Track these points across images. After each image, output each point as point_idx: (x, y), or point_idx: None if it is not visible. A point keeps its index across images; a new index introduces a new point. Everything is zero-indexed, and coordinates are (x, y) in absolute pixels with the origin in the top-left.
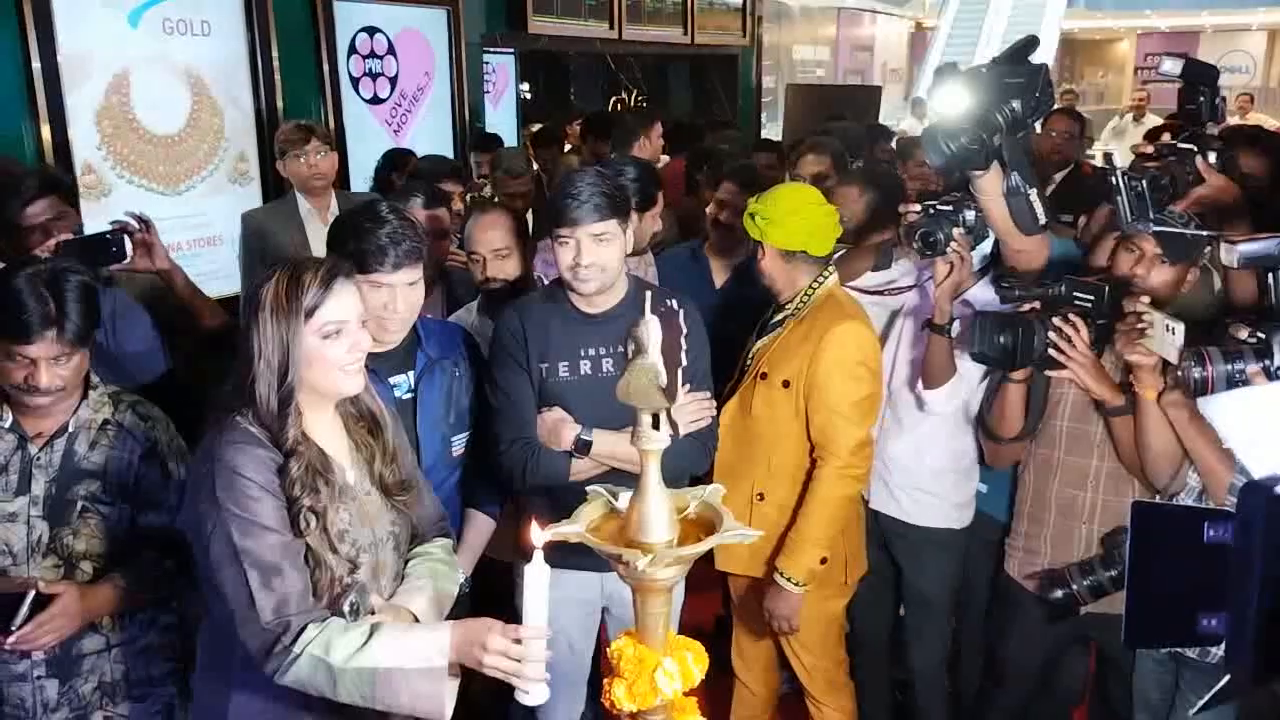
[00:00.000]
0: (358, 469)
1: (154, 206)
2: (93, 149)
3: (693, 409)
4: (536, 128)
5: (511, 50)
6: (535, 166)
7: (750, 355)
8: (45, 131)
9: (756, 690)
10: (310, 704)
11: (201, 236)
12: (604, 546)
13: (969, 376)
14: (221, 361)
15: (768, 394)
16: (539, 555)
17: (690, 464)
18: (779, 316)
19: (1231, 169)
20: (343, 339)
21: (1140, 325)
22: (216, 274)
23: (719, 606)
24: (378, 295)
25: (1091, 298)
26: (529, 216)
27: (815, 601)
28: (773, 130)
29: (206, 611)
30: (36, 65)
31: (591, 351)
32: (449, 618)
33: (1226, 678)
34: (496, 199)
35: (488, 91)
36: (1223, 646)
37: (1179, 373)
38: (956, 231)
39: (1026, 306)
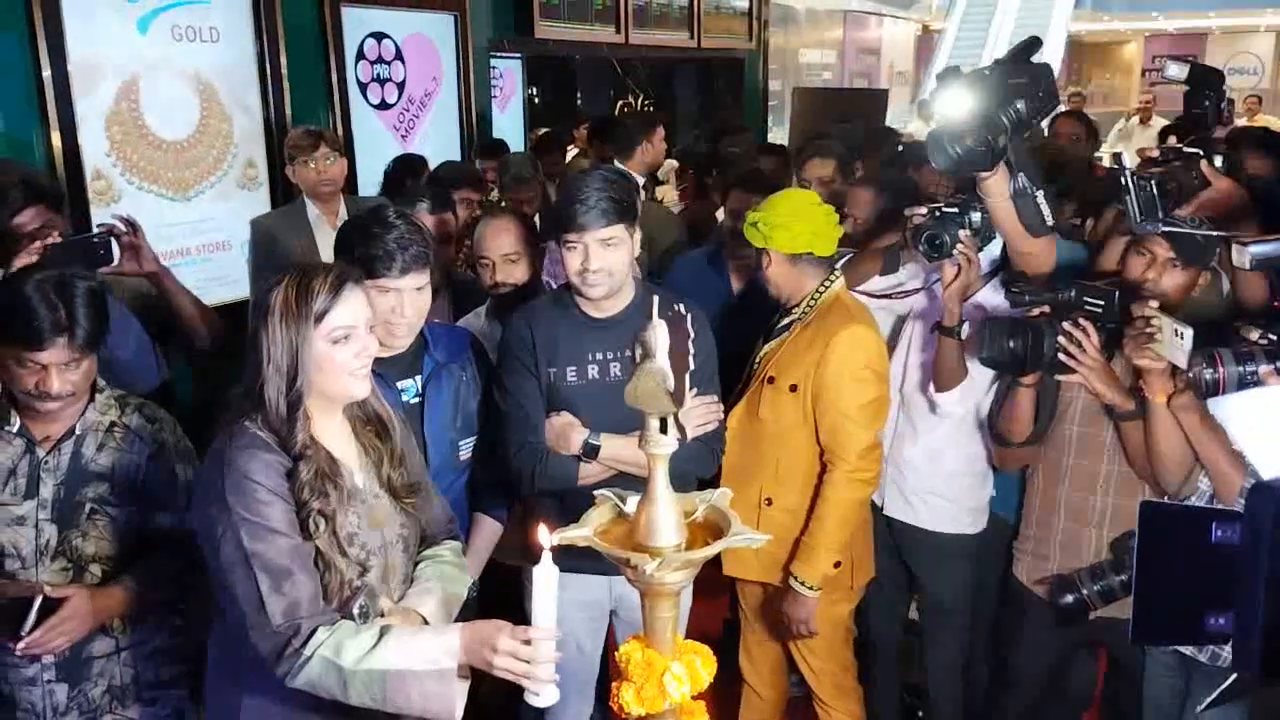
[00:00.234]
0: (366, 472)
1: (163, 212)
2: (102, 155)
3: (700, 413)
4: (541, 132)
5: (519, 55)
6: (541, 171)
7: (757, 359)
8: (55, 138)
9: (765, 694)
10: (321, 706)
11: (210, 242)
12: (612, 550)
13: (980, 379)
14: (230, 368)
15: (775, 398)
16: (547, 556)
17: (698, 468)
18: (786, 321)
19: (1237, 172)
20: (351, 344)
21: (1149, 330)
22: (225, 279)
23: (726, 611)
24: (385, 300)
25: (1101, 302)
26: (536, 221)
27: (823, 606)
28: (779, 134)
29: (217, 614)
30: (47, 73)
31: (599, 356)
32: (457, 621)
33: (1233, 676)
34: (504, 204)
35: (495, 96)
36: (1230, 647)
37: (1190, 375)
38: (963, 234)
39: (1035, 311)
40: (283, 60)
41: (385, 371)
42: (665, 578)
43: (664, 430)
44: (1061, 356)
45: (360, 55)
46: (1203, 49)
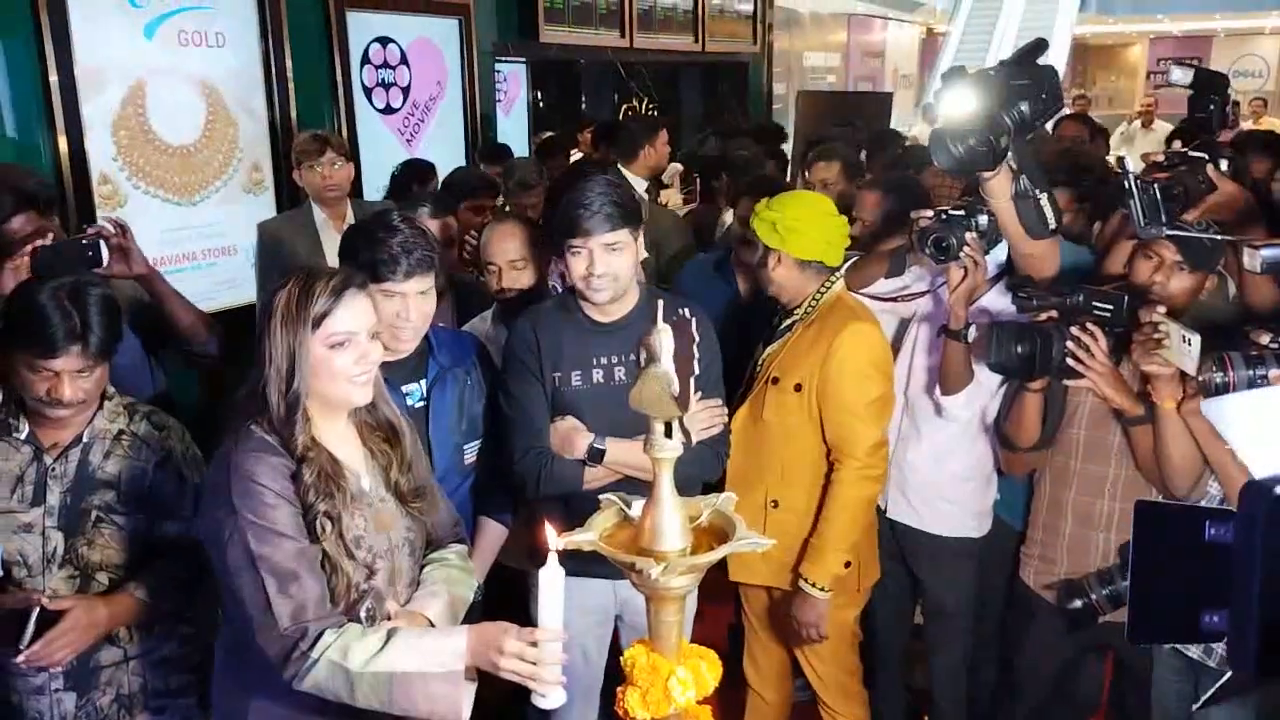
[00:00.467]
0: (372, 476)
1: (169, 216)
2: (109, 159)
3: (705, 416)
4: (545, 136)
5: (523, 59)
6: (545, 176)
7: (759, 362)
8: (62, 142)
9: (770, 699)
10: (328, 709)
11: (216, 246)
12: (617, 555)
13: (986, 383)
14: (236, 374)
15: (779, 399)
16: (554, 558)
17: (703, 472)
18: (788, 322)
19: (1243, 175)
20: (350, 350)
21: (1157, 335)
22: (231, 283)
23: (731, 617)
24: (390, 304)
25: (1110, 307)
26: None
27: (829, 610)
28: None
29: (224, 618)
30: (54, 77)
31: (604, 360)
32: (463, 624)
33: (1229, 674)
34: (509, 209)
35: (499, 100)
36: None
37: (1200, 380)
38: (970, 236)
39: (1043, 316)
40: (288, 65)
41: (390, 376)
42: (670, 582)
43: (669, 434)
44: (1070, 362)
45: (365, 60)
46: (1208, 52)
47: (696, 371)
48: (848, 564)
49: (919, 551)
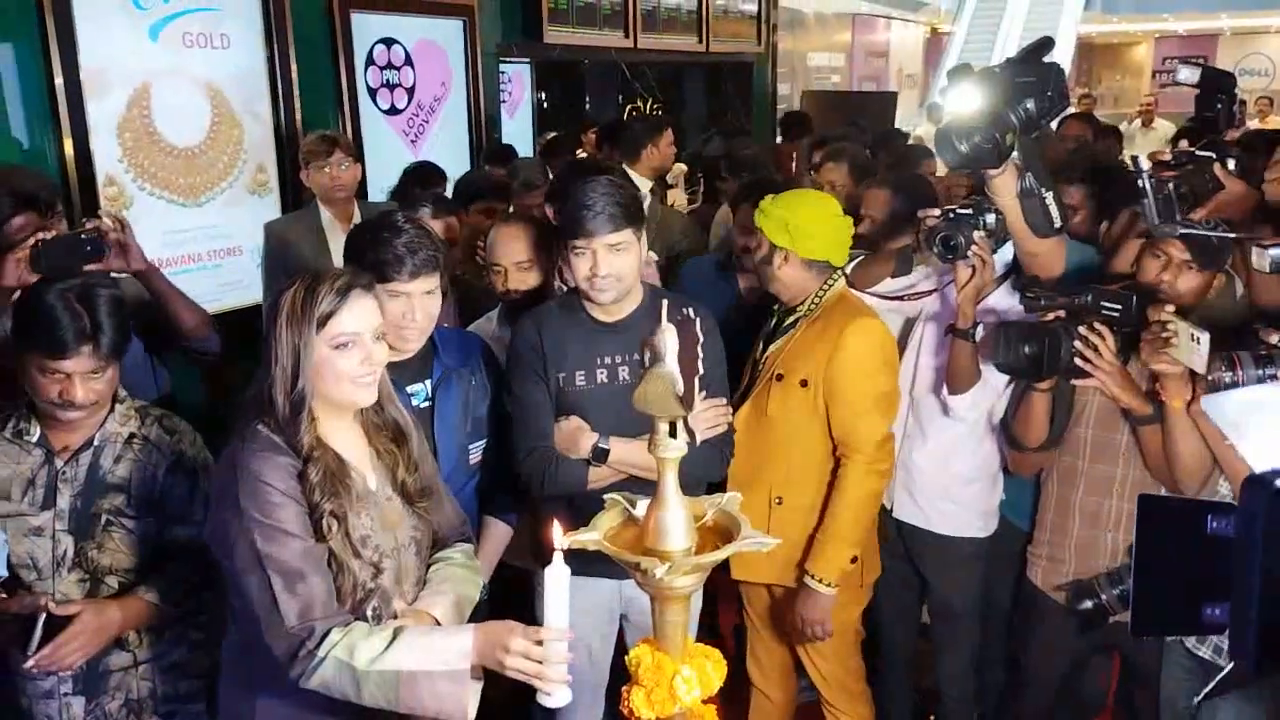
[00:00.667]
0: (379, 475)
1: (175, 218)
2: (114, 161)
3: (709, 416)
4: (549, 136)
5: (527, 60)
6: (550, 176)
7: (761, 359)
8: (67, 144)
9: (774, 697)
10: (335, 708)
11: (222, 247)
12: (622, 554)
13: (993, 383)
14: (242, 375)
15: (784, 395)
16: (559, 557)
17: (707, 472)
18: (792, 319)
19: (1249, 175)
20: (354, 351)
21: (1165, 335)
22: (237, 284)
23: (736, 618)
24: (396, 304)
25: (1119, 307)
26: None
27: (833, 608)
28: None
29: (230, 618)
30: (59, 80)
31: (608, 360)
32: (469, 623)
33: (1230, 666)
34: (513, 210)
35: (504, 101)
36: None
37: (1209, 379)
38: (977, 235)
39: (1051, 315)
40: (293, 66)
41: (395, 376)
42: (675, 582)
43: (673, 434)
44: (1078, 361)
45: (370, 61)
46: (1213, 50)
47: (701, 371)
48: (854, 559)
49: (925, 552)
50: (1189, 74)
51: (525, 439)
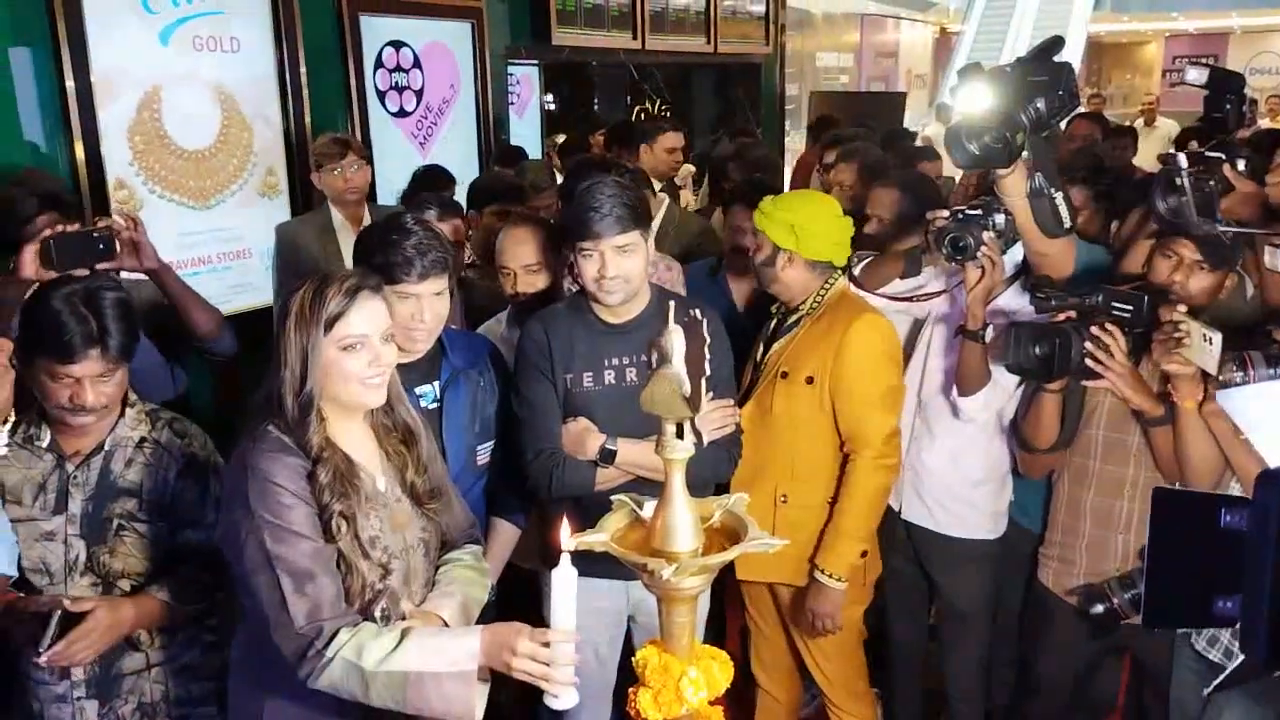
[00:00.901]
0: (388, 476)
1: (185, 221)
2: (125, 165)
3: (717, 417)
4: (561, 138)
5: (535, 62)
6: (560, 179)
7: (762, 358)
8: (78, 148)
9: (780, 697)
10: (343, 709)
11: (231, 250)
12: (629, 555)
13: (1004, 384)
14: (252, 377)
15: (789, 392)
16: (566, 559)
17: (715, 473)
18: (795, 317)
19: (1260, 175)
20: (362, 352)
21: (1177, 335)
22: (247, 287)
23: (742, 619)
24: (405, 306)
25: (1130, 307)
26: None
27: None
28: (797, 138)
29: (240, 618)
30: (70, 83)
31: (615, 361)
32: (477, 624)
33: (1240, 659)
34: (520, 212)
35: (512, 103)
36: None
37: (1221, 379)
38: (987, 236)
39: (1061, 315)
40: (302, 69)
41: (403, 377)
42: (682, 583)
43: (680, 435)
44: (1089, 362)
45: (379, 63)
46: (1224, 49)
47: (708, 372)
48: (864, 554)
49: (933, 553)
50: (1197, 75)
51: (533, 440)
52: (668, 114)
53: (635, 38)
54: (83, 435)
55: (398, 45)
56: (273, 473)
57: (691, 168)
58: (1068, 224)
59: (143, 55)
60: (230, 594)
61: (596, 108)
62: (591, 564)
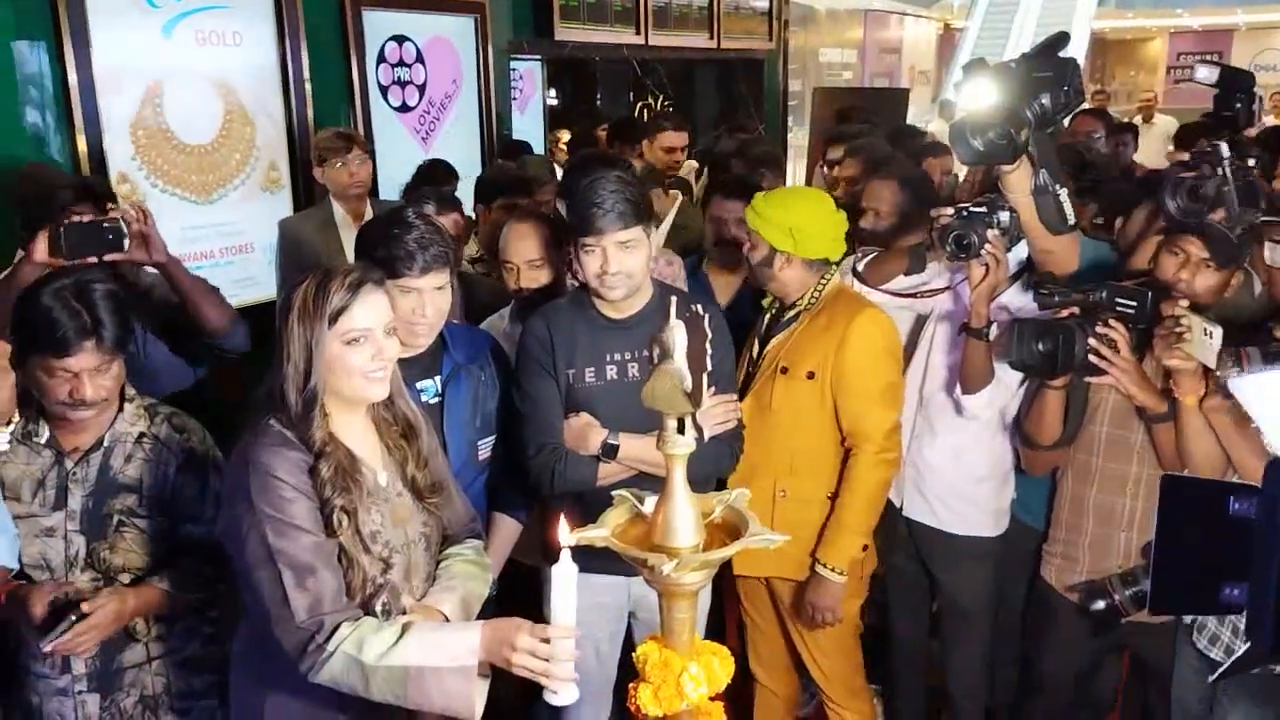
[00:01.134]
0: (389, 471)
1: (187, 215)
2: (127, 159)
3: (719, 412)
4: (566, 135)
5: (538, 57)
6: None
7: (760, 354)
8: (81, 142)
9: (779, 691)
10: (345, 704)
11: (234, 244)
12: (629, 551)
13: (1007, 381)
14: (256, 370)
15: (789, 387)
16: (566, 554)
17: (717, 468)
18: (793, 312)
19: (1268, 172)
20: (366, 346)
21: (1179, 330)
22: (249, 281)
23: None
24: (406, 300)
25: (1134, 303)
26: None
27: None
28: (800, 135)
29: (241, 612)
30: (73, 77)
31: (617, 356)
32: (478, 620)
33: (1246, 646)
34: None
35: (515, 98)
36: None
37: (1218, 374)
38: (991, 233)
39: (1065, 312)
40: (305, 63)
41: (405, 372)
42: (683, 578)
43: (681, 430)
44: (1093, 359)
45: (381, 58)
46: (1228, 46)
47: (709, 367)
48: (865, 547)
49: (935, 550)
50: (1207, 73)
51: (535, 435)
52: (670, 110)
53: (638, 33)
54: (81, 431)
55: (400, 40)
56: (274, 467)
57: (694, 163)
58: (1072, 221)
59: (145, 49)
60: (231, 586)
61: (599, 103)
62: (593, 559)
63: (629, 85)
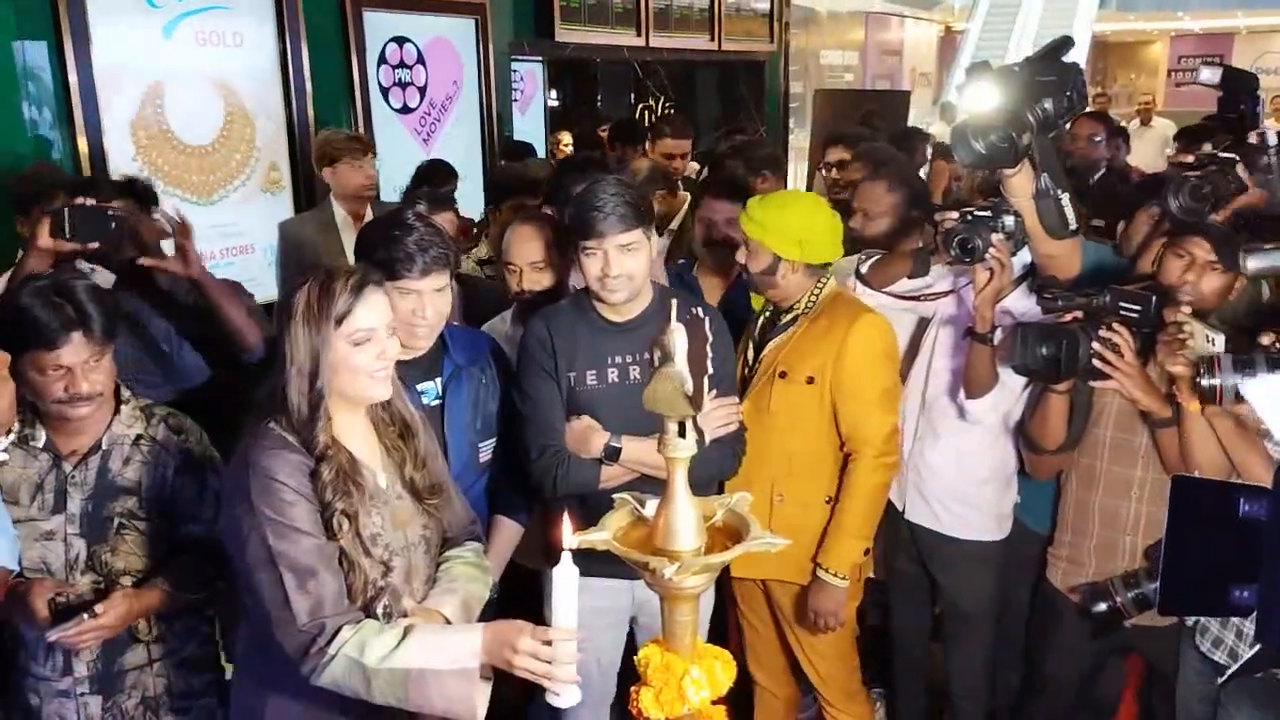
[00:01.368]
0: (389, 473)
1: (188, 215)
2: (128, 160)
3: (720, 415)
4: (567, 136)
5: (539, 58)
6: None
7: (758, 357)
8: (81, 142)
9: (777, 692)
10: (346, 706)
11: (234, 245)
12: (630, 554)
13: (1011, 385)
14: (257, 371)
15: (788, 391)
16: (567, 557)
17: (719, 471)
18: (790, 316)
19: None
20: (371, 346)
21: (1180, 336)
22: (249, 281)
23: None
24: (406, 302)
25: (1138, 307)
26: None
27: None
28: (801, 136)
29: (243, 614)
30: (74, 78)
31: (619, 359)
32: (478, 622)
33: (1256, 648)
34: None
35: (516, 100)
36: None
37: (1200, 381)
38: (996, 237)
39: (1069, 316)
40: (305, 64)
41: (405, 374)
42: (684, 582)
43: (683, 433)
44: (1097, 363)
45: (382, 59)
46: (1229, 49)
47: (710, 370)
48: (867, 551)
49: (936, 554)
50: (1211, 75)
51: (537, 438)
52: (672, 112)
53: (640, 35)
54: (78, 434)
55: (401, 41)
56: (275, 469)
57: (695, 165)
58: (1073, 225)
59: (146, 49)
60: (231, 586)
61: (600, 105)
62: (595, 563)
63: (630, 86)
